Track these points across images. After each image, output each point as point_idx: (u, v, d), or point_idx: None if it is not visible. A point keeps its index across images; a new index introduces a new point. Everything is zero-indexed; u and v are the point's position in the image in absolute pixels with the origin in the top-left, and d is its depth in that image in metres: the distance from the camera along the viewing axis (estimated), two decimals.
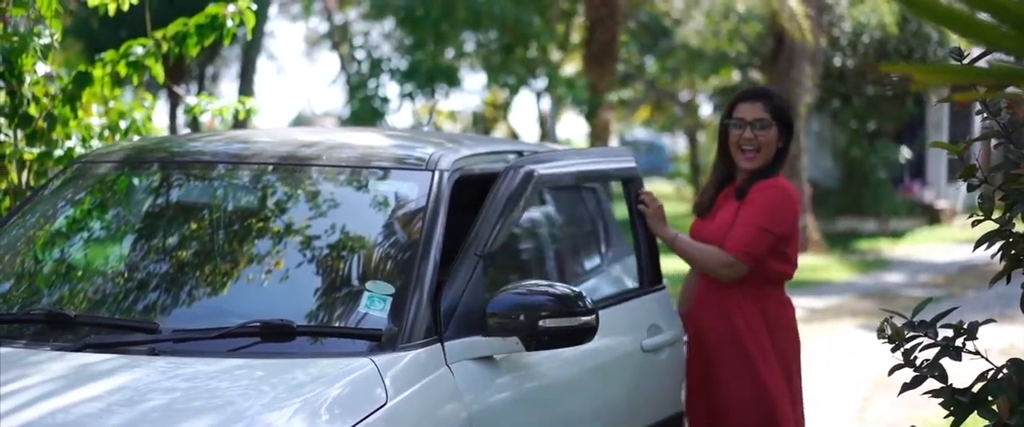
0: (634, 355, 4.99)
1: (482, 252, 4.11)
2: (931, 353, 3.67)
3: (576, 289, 4.07)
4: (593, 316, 4.01)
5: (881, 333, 3.66)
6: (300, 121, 46.26)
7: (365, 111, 20.85)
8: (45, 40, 5.87)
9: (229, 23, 6.27)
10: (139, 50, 6.16)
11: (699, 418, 5.21)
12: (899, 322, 3.67)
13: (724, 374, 5.08)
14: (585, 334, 4.01)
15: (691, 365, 5.24)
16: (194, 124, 19.66)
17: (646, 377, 5.11)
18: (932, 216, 25.96)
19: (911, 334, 3.66)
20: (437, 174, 4.34)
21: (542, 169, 4.56)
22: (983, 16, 2.07)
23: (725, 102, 5.48)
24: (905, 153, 25.35)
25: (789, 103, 5.31)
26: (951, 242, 22.80)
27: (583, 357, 4.50)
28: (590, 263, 5.80)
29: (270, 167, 4.52)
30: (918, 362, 3.67)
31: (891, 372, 3.70)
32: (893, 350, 3.67)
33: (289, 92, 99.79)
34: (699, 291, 5.20)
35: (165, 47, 6.22)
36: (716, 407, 5.12)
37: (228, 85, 40.68)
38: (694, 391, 5.22)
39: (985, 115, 3.61)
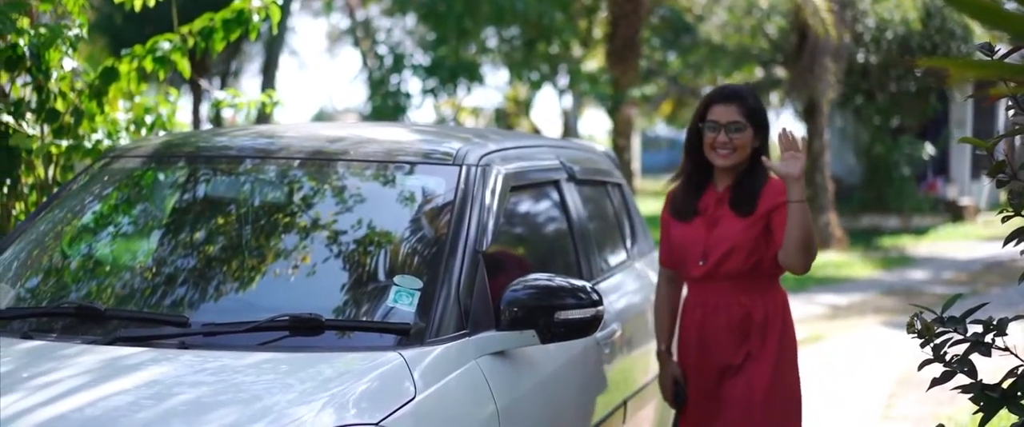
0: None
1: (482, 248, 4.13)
2: (960, 349, 3.66)
3: (584, 282, 4.09)
4: (602, 307, 4.03)
5: (911, 328, 3.65)
6: (321, 117, 46.36)
7: (387, 107, 20.88)
8: (74, 31, 5.89)
9: (255, 18, 6.29)
10: (165, 45, 6.19)
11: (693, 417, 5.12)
12: (929, 317, 3.66)
13: (729, 370, 4.98)
14: (595, 324, 4.03)
15: (688, 366, 5.11)
16: (217, 119, 19.72)
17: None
18: (955, 213, 25.90)
19: (941, 330, 3.65)
20: (465, 169, 4.35)
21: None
22: (1011, 6, 2.07)
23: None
24: (928, 150, 25.27)
25: (763, 103, 5.14)
26: (974, 239, 22.75)
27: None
28: (615, 258, 5.80)
29: (297, 162, 4.54)
30: (948, 358, 3.66)
31: (921, 367, 3.69)
32: (923, 345, 3.66)
33: (311, 88, 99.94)
34: (700, 294, 5.04)
35: (191, 42, 6.24)
36: (710, 402, 5.02)
37: (249, 81, 40.85)
38: (696, 390, 5.09)
39: (1015, 111, 3.59)
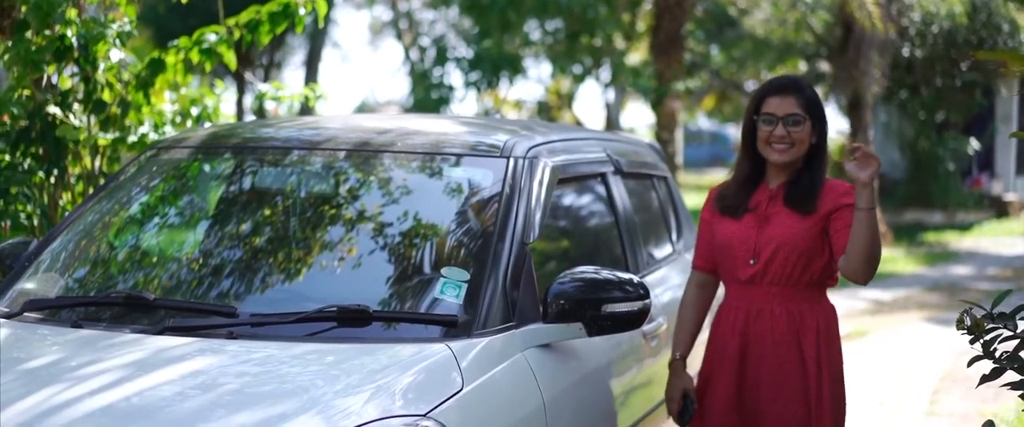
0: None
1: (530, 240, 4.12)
2: (1010, 345, 3.64)
3: (630, 275, 4.07)
4: (649, 300, 4.02)
5: (960, 324, 3.63)
6: (363, 110, 46.47)
7: (429, 99, 20.91)
8: (125, 27, 5.93)
9: (301, 11, 6.31)
10: (212, 37, 6.21)
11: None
12: (978, 313, 3.63)
13: (770, 383, 4.64)
14: (642, 317, 4.02)
15: (722, 375, 4.71)
16: (260, 111, 19.82)
17: None
18: (1000, 209, 25.71)
19: (990, 326, 3.62)
20: (512, 161, 4.34)
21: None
22: None
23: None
24: (973, 145, 25.10)
25: (819, 96, 4.78)
26: (1019, 235, 22.57)
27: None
28: (661, 251, 5.78)
29: (344, 153, 4.54)
30: (997, 354, 3.64)
31: (970, 364, 3.67)
32: (972, 342, 3.64)
33: (352, 80, 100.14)
34: (744, 298, 4.68)
35: (237, 34, 6.26)
36: (753, 415, 4.68)
37: (292, 73, 41.02)
38: (725, 400, 4.71)
39: None
